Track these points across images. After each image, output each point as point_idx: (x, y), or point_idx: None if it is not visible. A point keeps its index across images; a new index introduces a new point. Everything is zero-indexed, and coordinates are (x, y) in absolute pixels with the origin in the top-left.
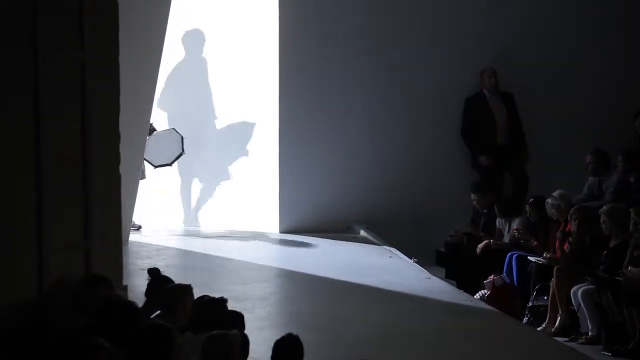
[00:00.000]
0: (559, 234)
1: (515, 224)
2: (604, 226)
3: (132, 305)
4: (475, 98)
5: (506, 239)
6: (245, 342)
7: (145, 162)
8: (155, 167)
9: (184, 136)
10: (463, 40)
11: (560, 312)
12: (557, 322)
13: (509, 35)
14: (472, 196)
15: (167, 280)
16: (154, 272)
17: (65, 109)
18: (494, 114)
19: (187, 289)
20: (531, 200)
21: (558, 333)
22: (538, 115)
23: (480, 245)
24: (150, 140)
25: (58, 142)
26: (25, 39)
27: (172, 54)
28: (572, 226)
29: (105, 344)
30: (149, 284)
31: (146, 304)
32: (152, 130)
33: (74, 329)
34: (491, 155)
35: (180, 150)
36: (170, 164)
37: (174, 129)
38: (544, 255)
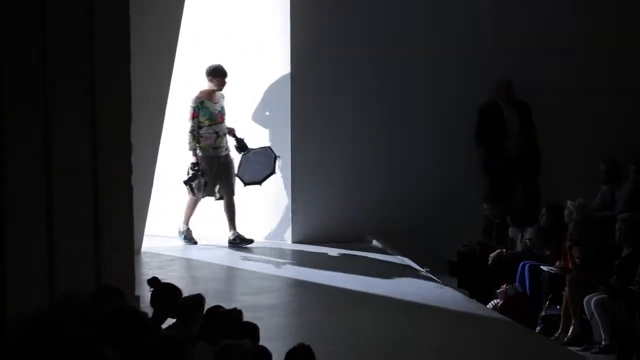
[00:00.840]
0: (568, 243)
1: (528, 233)
2: (618, 233)
3: (142, 315)
4: (489, 107)
5: (519, 248)
6: (268, 357)
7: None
8: (245, 184)
9: (278, 156)
10: (474, 49)
11: (572, 321)
12: (570, 332)
13: (519, 43)
14: (485, 205)
15: (169, 286)
16: (153, 282)
17: (76, 119)
18: (507, 124)
19: (200, 299)
20: (545, 209)
21: (571, 342)
22: (550, 124)
23: (492, 255)
24: (245, 157)
25: (69, 152)
26: (35, 51)
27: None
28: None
29: (115, 354)
30: (152, 294)
31: (155, 314)
32: (243, 145)
33: (84, 339)
34: (502, 163)
35: (272, 170)
36: (259, 183)
37: (269, 147)
38: (557, 264)
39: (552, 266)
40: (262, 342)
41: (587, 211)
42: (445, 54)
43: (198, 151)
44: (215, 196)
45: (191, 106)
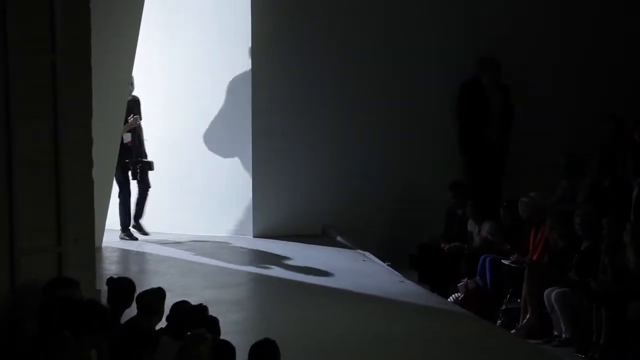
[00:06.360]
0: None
1: (485, 228)
2: (577, 226)
3: (101, 307)
4: (473, 84)
5: (476, 243)
6: (231, 351)
7: None
8: None
9: None
10: (439, 40)
11: (529, 312)
12: (524, 322)
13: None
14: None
15: (123, 280)
16: (110, 281)
17: (37, 112)
18: (491, 107)
19: (160, 292)
20: (505, 203)
21: (531, 335)
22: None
23: (446, 247)
24: None
25: (30, 146)
26: None
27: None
28: (551, 230)
29: (73, 340)
30: (108, 290)
31: (111, 308)
32: None
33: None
34: (479, 146)
35: None
36: None
37: None
38: (511, 257)
39: (514, 260)
40: (225, 336)
41: (538, 205)
42: (412, 43)
43: None
44: None
45: None
